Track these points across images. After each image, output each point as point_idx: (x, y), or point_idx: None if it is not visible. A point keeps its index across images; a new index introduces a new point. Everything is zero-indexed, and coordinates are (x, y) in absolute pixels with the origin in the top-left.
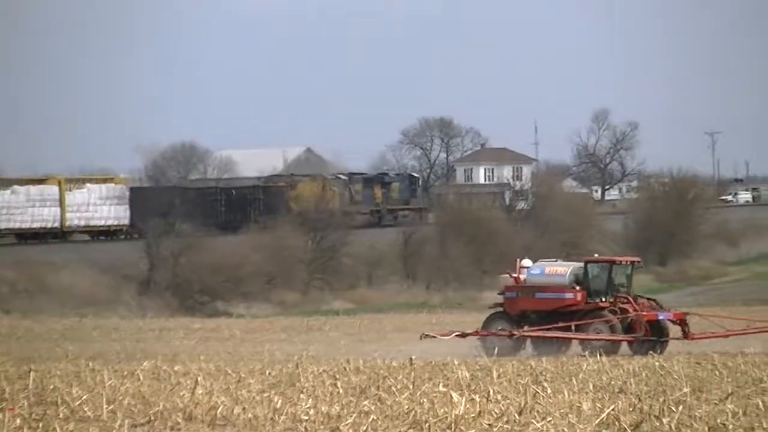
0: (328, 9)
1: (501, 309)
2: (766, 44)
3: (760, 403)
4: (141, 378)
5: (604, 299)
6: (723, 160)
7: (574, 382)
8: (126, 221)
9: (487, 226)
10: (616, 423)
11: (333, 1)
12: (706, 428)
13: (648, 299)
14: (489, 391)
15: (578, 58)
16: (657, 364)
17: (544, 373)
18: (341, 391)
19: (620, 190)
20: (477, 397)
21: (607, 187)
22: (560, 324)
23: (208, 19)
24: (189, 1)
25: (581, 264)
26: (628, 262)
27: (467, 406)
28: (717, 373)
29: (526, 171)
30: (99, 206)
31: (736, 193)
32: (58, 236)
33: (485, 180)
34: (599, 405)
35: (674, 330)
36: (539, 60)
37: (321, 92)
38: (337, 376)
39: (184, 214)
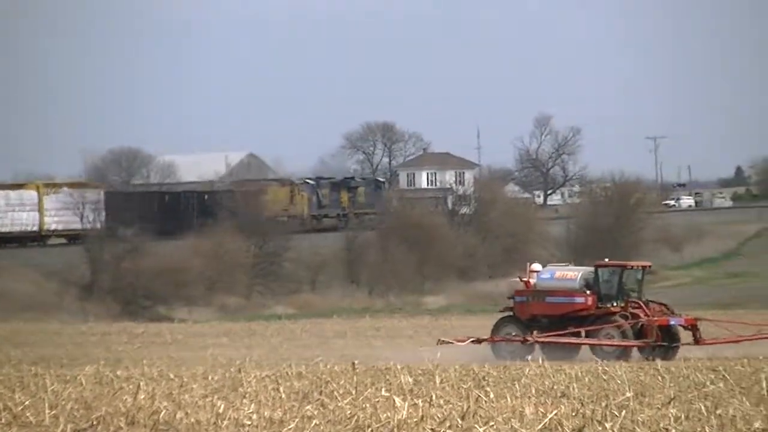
0: (260, 14)
1: (511, 313)
2: (709, 49)
3: (702, 407)
4: (83, 383)
5: (615, 304)
6: (666, 165)
7: (517, 387)
8: (100, 224)
9: (429, 231)
10: (559, 428)
11: (262, 6)
12: None
13: (659, 304)
14: (432, 396)
15: (520, 63)
16: (600, 368)
17: (486, 378)
18: (284, 396)
19: (562, 194)
20: (420, 402)
21: (549, 191)
22: (571, 329)
23: (149, 23)
24: (129, 4)
25: (591, 268)
26: (639, 267)
27: (410, 410)
28: (659, 377)
29: (469, 176)
30: (75, 211)
31: (678, 198)
32: (37, 240)
33: (428, 185)
34: (542, 410)
35: (685, 335)
36: (481, 64)
37: (262, 96)
38: (280, 381)
39: (156, 218)
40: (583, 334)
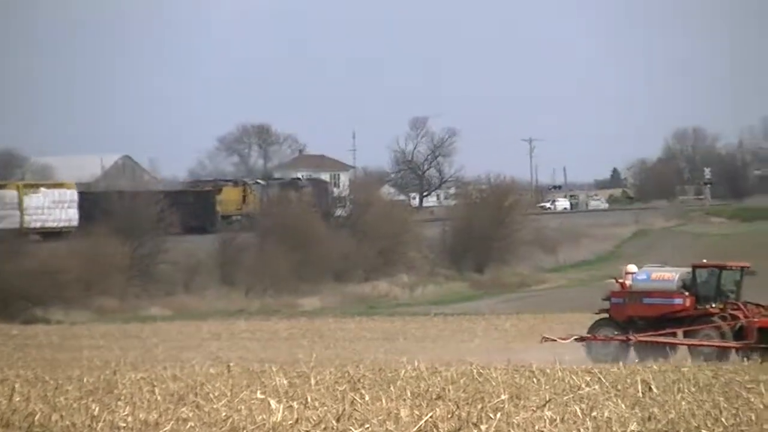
0: (130, 15)
1: (607, 315)
2: (585, 51)
3: (578, 410)
4: None
5: (713, 305)
6: (542, 167)
7: (392, 390)
8: (75, 223)
9: (304, 232)
10: (435, 430)
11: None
12: None
13: (756, 305)
14: (307, 398)
15: (396, 65)
16: (475, 371)
17: (362, 381)
18: (159, 398)
19: (438, 197)
20: (295, 404)
21: (425, 193)
22: (668, 330)
23: (21, 22)
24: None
25: (689, 269)
26: (738, 268)
27: (285, 413)
28: (535, 380)
29: (344, 178)
30: (52, 209)
31: (554, 200)
32: (17, 237)
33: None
34: (417, 412)
35: None
36: (356, 65)
37: (137, 97)
38: (155, 383)
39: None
40: (680, 335)
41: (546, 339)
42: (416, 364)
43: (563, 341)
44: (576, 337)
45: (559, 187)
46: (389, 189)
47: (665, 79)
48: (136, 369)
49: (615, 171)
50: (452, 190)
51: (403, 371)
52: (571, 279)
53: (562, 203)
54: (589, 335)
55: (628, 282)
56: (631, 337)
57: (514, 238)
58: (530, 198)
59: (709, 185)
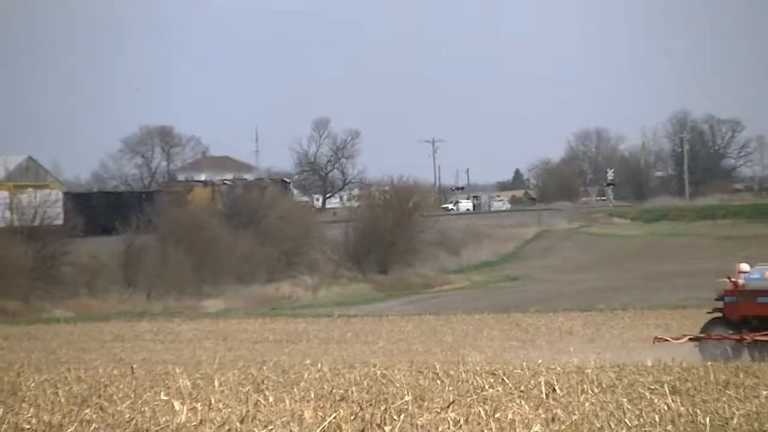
0: (34, 13)
1: (720, 314)
2: (488, 51)
3: (481, 411)
4: None
5: None
6: (445, 168)
7: (296, 391)
8: (60, 221)
9: (206, 234)
10: (338, 431)
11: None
12: None
13: None
14: (210, 400)
15: (298, 66)
16: (378, 373)
17: (265, 382)
18: (63, 400)
19: (341, 198)
20: (199, 406)
21: (328, 195)
22: None
23: None
24: None
25: None
26: None
27: (189, 414)
28: (439, 381)
29: (248, 179)
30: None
31: (457, 202)
32: None
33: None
34: (321, 413)
35: None
36: (259, 67)
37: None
38: (59, 385)
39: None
40: None
41: (659, 340)
42: (320, 365)
43: (677, 341)
44: (690, 337)
45: (462, 188)
46: (292, 190)
47: (569, 80)
48: (39, 371)
49: (518, 172)
50: (355, 192)
51: (306, 373)
52: (474, 281)
53: (465, 205)
54: (703, 335)
55: (740, 281)
56: (745, 337)
57: (418, 240)
58: (433, 199)
59: (611, 186)
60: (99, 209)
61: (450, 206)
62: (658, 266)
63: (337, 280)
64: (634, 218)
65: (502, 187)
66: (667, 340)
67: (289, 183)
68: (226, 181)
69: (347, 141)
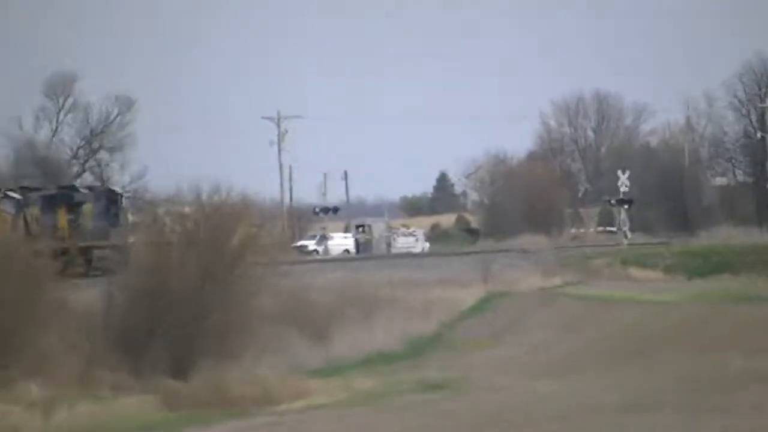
0: None
1: None
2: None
3: None
4: None
5: None
6: (303, 173)
7: None
8: None
9: None
10: None
11: None
12: None
13: None
14: None
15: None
16: None
17: None
18: None
19: None
20: None
21: None
22: None
23: None
24: None
25: None
26: None
27: None
28: None
29: None
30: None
31: (325, 236)
32: None
33: None
34: None
35: None
36: None
37: None
38: None
39: None
40: None
41: None
42: None
43: None
44: None
45: (337, 209)
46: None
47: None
48: None
49: (444, 180)
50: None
51: None
52: (357, 391)
53: (340, 242)
54: None
55: None
56: None
57: (247, 310)
58: (281, 230)
59: (626, 206)
60: None
61: (311, 244)
62: (716, 359)
63: (90, 388)
64: (671, 269)
65: (414, 207)
66: None
67: (121, 195)
68: (10, 193)
69: (110, 118)
